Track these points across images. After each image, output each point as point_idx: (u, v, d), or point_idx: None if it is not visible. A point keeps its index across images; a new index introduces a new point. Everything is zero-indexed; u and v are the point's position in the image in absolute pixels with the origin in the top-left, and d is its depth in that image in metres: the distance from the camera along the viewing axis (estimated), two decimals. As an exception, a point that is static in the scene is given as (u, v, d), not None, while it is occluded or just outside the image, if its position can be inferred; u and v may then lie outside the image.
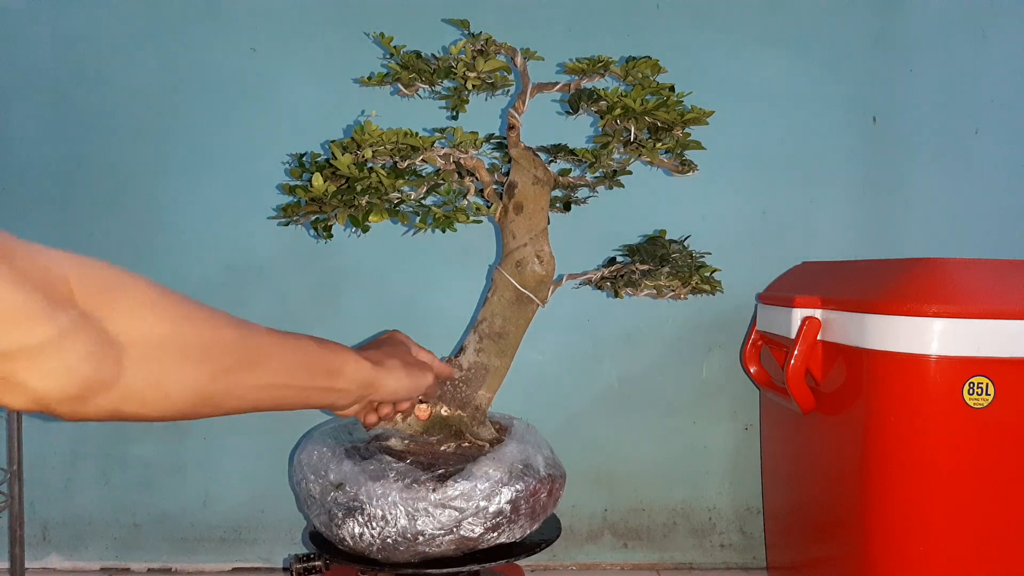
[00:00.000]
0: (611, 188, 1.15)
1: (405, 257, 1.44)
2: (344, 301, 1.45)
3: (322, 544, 0.97)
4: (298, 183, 0.97)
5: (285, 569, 1.47)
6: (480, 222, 0.98)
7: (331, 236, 1.02)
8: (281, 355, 0.53)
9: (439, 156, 0.96)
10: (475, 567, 0.92)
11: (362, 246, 1.41)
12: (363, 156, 0.90)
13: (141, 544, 1.47)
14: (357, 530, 0.88)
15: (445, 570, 0.90)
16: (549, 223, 1.05)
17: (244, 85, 1.43)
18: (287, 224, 1.07)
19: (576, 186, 1.16)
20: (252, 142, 1.43)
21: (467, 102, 1.06)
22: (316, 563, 1.00)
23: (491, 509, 0.89)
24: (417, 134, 0.91)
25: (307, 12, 1.43)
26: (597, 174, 1.11)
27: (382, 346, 0.73)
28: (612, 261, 1.14)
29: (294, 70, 1.43)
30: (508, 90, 1.03)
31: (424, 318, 1.44)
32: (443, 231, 0.99)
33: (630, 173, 1.11)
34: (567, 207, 1.18)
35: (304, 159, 1.03)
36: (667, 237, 1.16)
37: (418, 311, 1.45)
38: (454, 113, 1.07)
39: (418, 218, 1.01)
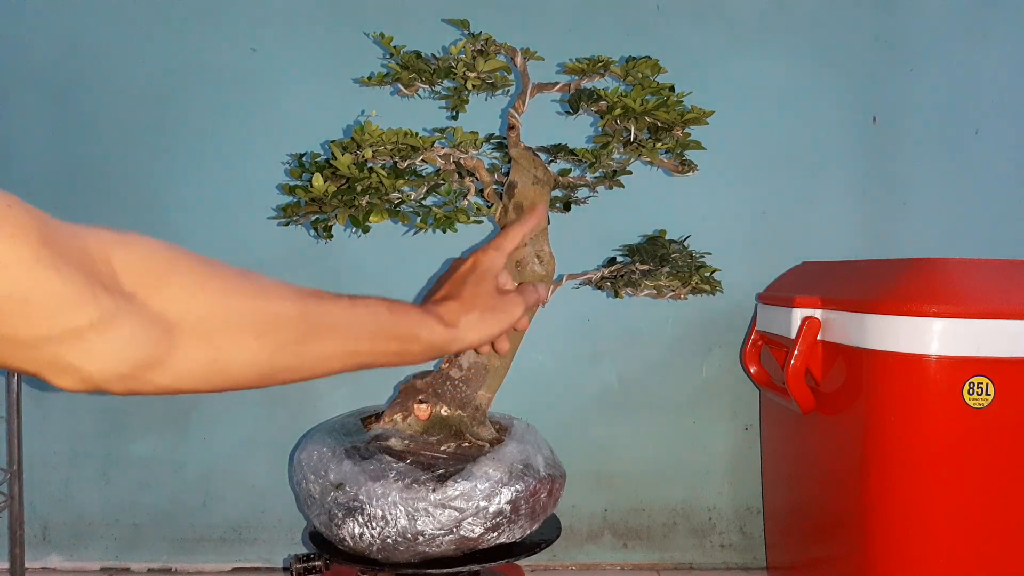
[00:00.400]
0: (611, 188, 1.15)
1: (405, 257, 1.44)
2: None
3: (322, 544, 0.97)
4: (298, 183, 0.97)
5: (285, 569, 1.47)
6: (480, 222, 0.98)
7: (331, 236, 1.02)
8: (349, 325, 0.52)
9: (439, 156, 0.96)
10: (475, 567, 0.92)
11: (362, 246, 1.41)
12: (363, 156, 0.90)
13: (141, 544, 1.47)
14: (357, 530, 0.88)
15: (445, 570, 0.90)
16: (549, 223, 1.05)
17: (244, 85, 1.43)
18: (287, 224, 1.07)
19: (576, 186, 1.16)
20: (252, 142, 1.43)
21: (467, 102, 1.06)
22: (316, 563, 1.00)
23: (491, 509, 0.89)
24: (417, 134, 0.91)
25: (307, 12, 1.43)
26: (597, 174, 1.12)
27: (462, 291, 0.64)
28: (612, 261, 1.14)
29: (294, 70, 1.43)
30: (508, 90, 1.03)
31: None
32: (443, 231, 0.99)
33: (630, 173, 1.11)
34: (567, 207, 1.18)
35: (304, 159, 1.03)
36: (667, 237, 1.16)
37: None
38: (454, 113, 1.07)
39: (419, 218, 1.01)
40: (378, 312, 0.55)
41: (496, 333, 0.63)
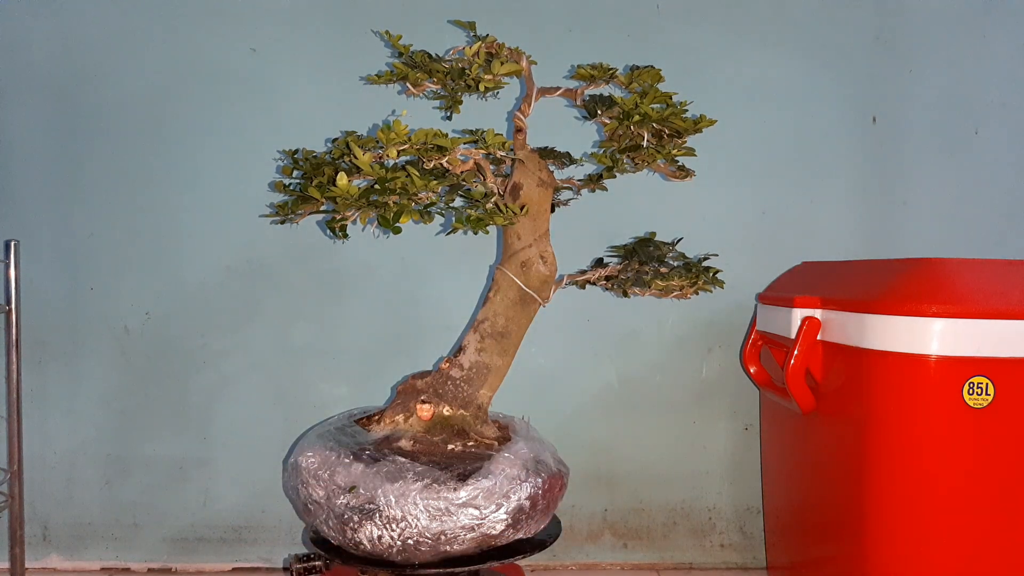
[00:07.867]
0: (593, 191, 1.16)
1: (404, 256, 1.44)
2: (346, 299, 1.45)
3: (327, 548, 0.96)
4: (291, 180, 0.97)
5: (285, 569, 1.47)
6: (512, 223, 0.97)
7: (347, 237, 1.02)
8: None
9: (460, 157, 0.96)
10: (475, 567, 0.92)
11: (361, 246, 1.42)
12: (386, 155, 0.90)
13: (141, 544, 1.47)
14: (375, 533, 0.87)
15: (444, 570, 0.90)
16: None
17: (244, 85, 1.42)
18: (282, 222, 1.06)
19: (560, 188, 1.16)
20: (252, 142, 1.42)
21: (461, 103, 1.06)
22: (316, 563, 1.00)
23: (512, 506, 0.90)
24: (446, 135, 0.91)
25: (307, 12, 1.43)
26: (584, 176, 1.12)
27: None
28: (600, 262, 1.15)
29: (294, 70, 1.43)
30: (496, 93, 1.03)
31: (424, 317, 1.45)
32: (475, 232, 0.98)
33: (614, 176, 1.11)
34: (551, 209, 1.18)
35: (296, 156, 1.03)
36: (658, 239, 1.17)
37: (418, 310, 1.45)
38: (448, 114, 1.07)
39: (443, 219, 1.00)
40: None
41: None
